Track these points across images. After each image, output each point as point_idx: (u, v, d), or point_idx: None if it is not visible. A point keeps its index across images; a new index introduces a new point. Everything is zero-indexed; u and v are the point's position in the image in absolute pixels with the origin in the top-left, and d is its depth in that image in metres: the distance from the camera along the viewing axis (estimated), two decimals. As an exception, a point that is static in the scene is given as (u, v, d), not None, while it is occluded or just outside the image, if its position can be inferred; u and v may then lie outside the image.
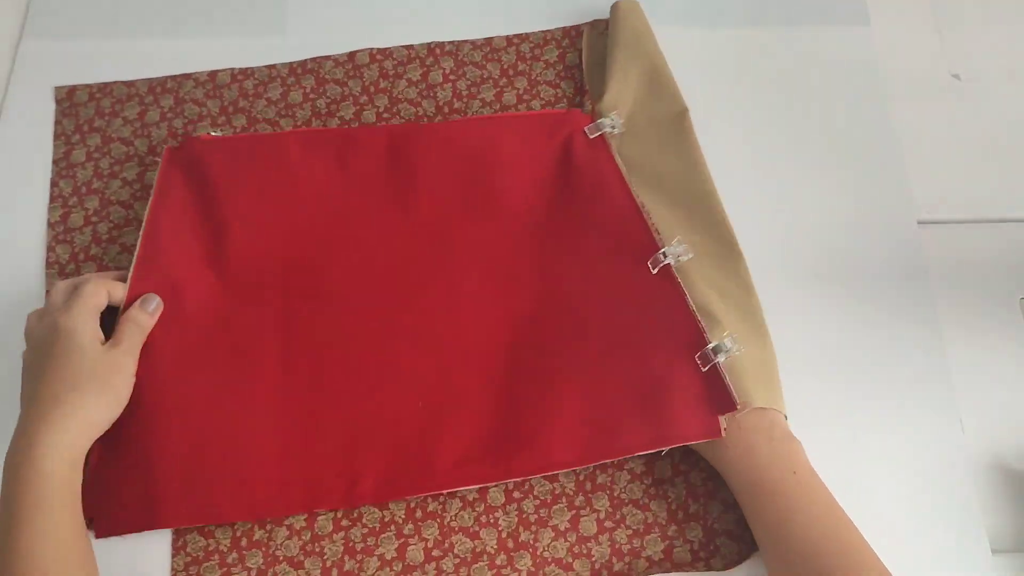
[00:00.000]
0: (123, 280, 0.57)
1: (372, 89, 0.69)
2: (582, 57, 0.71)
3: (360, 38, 0.71)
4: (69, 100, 0.68)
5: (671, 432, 0.53)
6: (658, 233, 0.60)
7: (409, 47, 0.71)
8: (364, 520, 0.55)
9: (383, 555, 0.54)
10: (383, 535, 0.55)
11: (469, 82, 0.70)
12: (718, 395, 0.53)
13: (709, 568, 0.54)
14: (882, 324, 0.61)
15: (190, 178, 0.62)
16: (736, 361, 0.54)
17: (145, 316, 0.55)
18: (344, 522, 0.55)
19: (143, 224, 0.60)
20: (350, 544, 0.54)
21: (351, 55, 0.70)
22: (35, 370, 0.51)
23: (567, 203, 0.63)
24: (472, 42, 0.72)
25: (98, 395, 0.50)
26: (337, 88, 0.69)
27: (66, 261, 0.62)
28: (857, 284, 0.61)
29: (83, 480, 0.50)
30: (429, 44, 0.71)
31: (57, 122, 0.67)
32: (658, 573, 0.54)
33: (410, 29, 0.72)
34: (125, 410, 0.53)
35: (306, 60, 0.70)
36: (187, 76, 0.69)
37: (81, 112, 0.67)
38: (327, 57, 0.70)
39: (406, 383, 0.57)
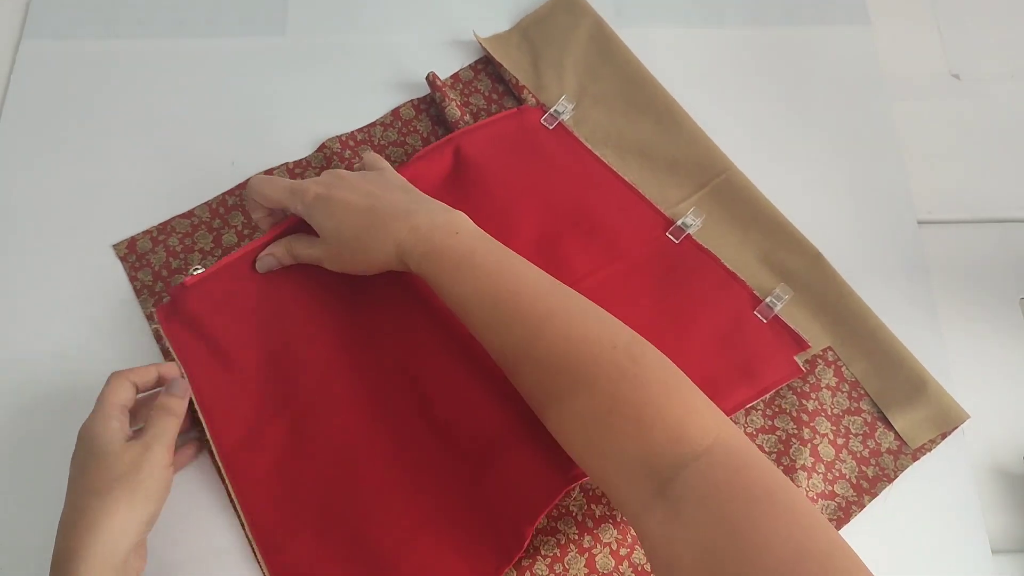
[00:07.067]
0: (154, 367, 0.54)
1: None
2: (503, 67, 0.68)
3: (360, 38, 0.72)
4: (133, 252, 0.62)
5: (764, 383, 0.57)
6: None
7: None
8: None
9: None
10: None
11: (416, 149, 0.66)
12: (786, 339, 0.59)
13: None
14: (882, 324, 0.61)
15: (201, 329, 0.57)
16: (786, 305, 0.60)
17: (175, 401, 0.52)
18: None
19: (193, 402, 0.55)
20: None
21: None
22: (69, 483, 0.49)
23: (560, 203, 0.63)
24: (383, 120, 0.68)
25: (129, 496, 0.47)
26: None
27: None
28: (857, 284, 0.61)
29: None
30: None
31: (132, 278, 0.61)
32: None
33: (410, 27, 0.72)
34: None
35: (359, 130, 0.67)
36: (242, 185, 0.64)
37: (152, 259, 0.62)
38: (374, 123, 0.67)
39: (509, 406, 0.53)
